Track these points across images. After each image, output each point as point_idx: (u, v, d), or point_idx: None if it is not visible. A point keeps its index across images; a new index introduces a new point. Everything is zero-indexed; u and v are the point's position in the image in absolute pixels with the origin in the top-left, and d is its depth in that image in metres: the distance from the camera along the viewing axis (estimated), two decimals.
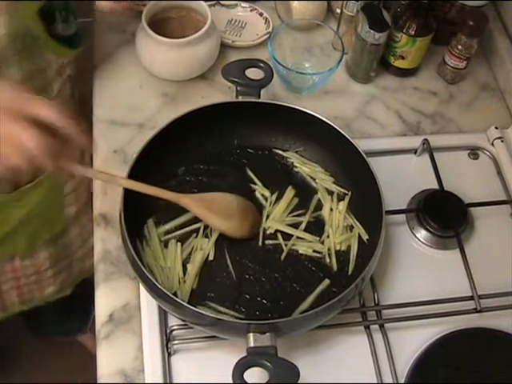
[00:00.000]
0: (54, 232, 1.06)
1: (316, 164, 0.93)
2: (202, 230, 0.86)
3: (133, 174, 0.81)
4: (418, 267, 0.89)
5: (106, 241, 0.88)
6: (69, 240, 1.11)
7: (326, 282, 0.83)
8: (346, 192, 0.90)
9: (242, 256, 0.85)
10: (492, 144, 1.01)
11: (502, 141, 1.00)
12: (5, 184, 0.92)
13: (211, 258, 0.84)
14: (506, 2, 1.11)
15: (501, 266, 0.90)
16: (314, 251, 0.86)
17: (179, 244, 0.84)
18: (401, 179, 0.96)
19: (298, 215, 0.88)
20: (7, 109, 0.65)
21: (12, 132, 0.64)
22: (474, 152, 1.01)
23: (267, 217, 0.88)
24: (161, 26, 1.01)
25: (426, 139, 0.98)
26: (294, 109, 0.90)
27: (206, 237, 0.85)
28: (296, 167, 0.92)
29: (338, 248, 0.86)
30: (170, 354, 0.79)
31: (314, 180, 0.92)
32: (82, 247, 1.15)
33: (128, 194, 0.80)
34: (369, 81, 1.08)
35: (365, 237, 0.86)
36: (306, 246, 0.86)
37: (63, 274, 1.15)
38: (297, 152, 0.93)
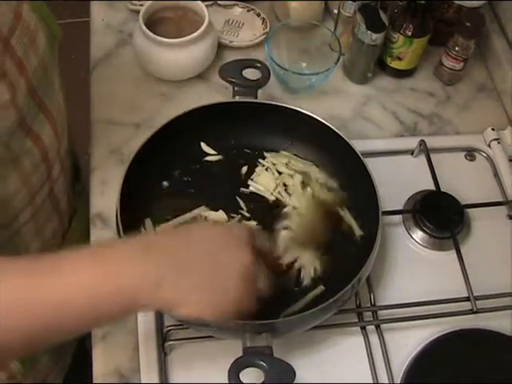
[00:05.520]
0: None
1: (312, 164, 0.93)
2: None
3: (130, 175, 0.81)
4: (414, 268, 0.89)
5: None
6: None
7: (321, 288, 0.82)
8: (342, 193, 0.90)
9: None
10: (489, 145, 1.01)
11: (499, 142, 1.00)
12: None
13: None
14: (502, 2, 1.11)
15: (497, 268, 0.90)
16: None
17: None
18: (397, 180, 0.96)
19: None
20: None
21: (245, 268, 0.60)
22: (470, 153, 1.01)
23: None
24: (158, 26, 1.01)
25: (422, 140, 0.98)
26: (290, 109, 0.90)
27: None
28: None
29: None
30: (166, 354, 0.79)
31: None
32: None
33: (125, 194, 0.80)
34: (366, 81, 1.08)
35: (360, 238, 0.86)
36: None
37: None
38: (295, 155, 0.93)
